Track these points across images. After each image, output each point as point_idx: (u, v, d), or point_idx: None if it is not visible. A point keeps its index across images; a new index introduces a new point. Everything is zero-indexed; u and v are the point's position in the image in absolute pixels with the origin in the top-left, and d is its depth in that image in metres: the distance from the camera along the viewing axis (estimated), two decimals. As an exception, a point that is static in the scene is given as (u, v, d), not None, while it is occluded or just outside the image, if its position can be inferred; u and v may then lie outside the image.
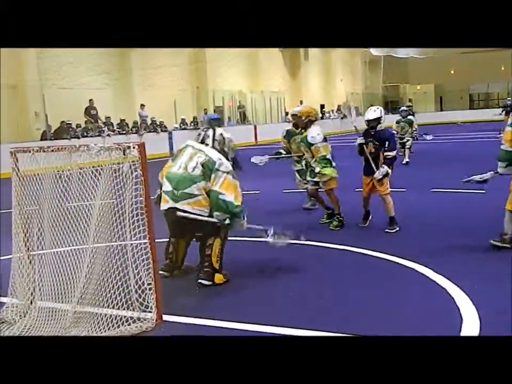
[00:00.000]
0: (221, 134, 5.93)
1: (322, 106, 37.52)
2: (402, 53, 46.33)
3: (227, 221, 5.59)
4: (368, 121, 7.57)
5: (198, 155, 5.62)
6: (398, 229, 7.59)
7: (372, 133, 7.61)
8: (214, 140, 5.82)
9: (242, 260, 6.57)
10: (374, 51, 43.40)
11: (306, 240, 6.61)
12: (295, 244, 6.36)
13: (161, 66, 26.98)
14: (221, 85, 30.57)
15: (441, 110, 44.72)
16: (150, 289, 4.62)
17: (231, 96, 31.30)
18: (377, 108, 7.81)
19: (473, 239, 7.03)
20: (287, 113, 34.13)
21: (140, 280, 4.63)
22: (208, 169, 5.51)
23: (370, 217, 8.01)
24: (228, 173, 5.57)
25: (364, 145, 7.62)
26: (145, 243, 4.57)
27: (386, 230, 7.57)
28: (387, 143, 7.49)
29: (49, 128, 21.08)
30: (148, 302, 4.66)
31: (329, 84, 41.40)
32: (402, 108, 18.24)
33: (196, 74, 29.23)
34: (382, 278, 5.70)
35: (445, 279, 5.40)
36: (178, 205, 5.49)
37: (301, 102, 34.84)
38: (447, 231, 7.59)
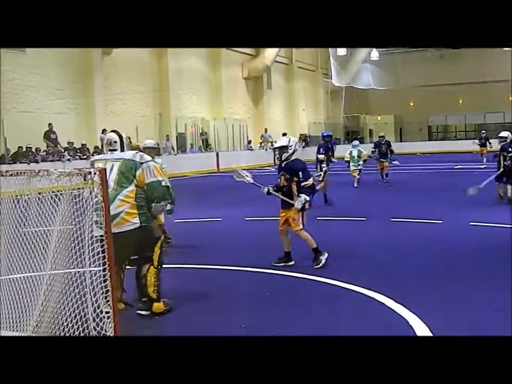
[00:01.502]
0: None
1: (284, 135, 37.79)
2: (362, 84, 47.31)
3: (168, 207, 5.80)
4: (274, 149, 7.55)
5: (113, 164, 5.50)
6: (323, 262, 7.19)
7: (283, 165, 7.46)
8: (121, 145, 5.72)
9: (185, 287, 6.53)
10: (336, 82, 44.16)
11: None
12: (241, 270, 6.36)
13: (123, 93, 26.90)
14: (184, 112, 30.62)
15: (401, 141, 45.57)
16: (108, 317, 4.53)
17: (194, 123, 31.36)
18: (287, 137, 7.73)
19: (433, 268, 7.14)
20: (249, 141, 34.39)
21: (98, 308, 4.54)
22: (129, 168, 5.45)
23: (292, 262, 7.41)
24: (150, 160, 5.63)
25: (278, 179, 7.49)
26: (104, 270, 4.49)
27: (315, 266, 7.18)
28: (300, 173, 7.25)
29: (8, 152, 20.71)
30: (105, 331, 4.56)
31: (292, 113, 41.85)
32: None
33: (159, 101, 29.20)
34: (337, 306, 5.73)
35: (404, 308, 5.45)
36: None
37: (266, 130, 35.24)
38: (408, 261, 7.68)
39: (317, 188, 9.49)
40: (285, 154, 7.39)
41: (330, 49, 42.56)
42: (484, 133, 31.88)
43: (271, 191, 7.40)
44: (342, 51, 42.43)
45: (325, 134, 14.14)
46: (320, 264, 7.18)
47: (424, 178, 21.80)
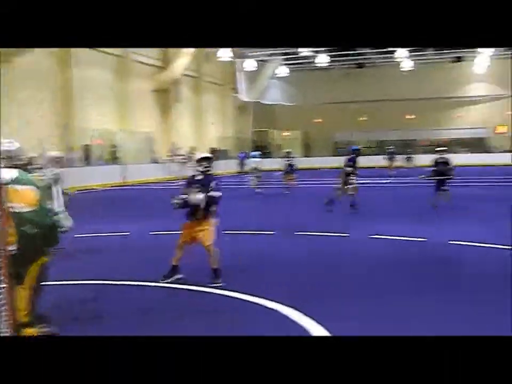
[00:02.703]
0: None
1: (193, 148, 37.72)
2: (271, 100, 48.07)
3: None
4: (200, 160, 7.37)
5: None
6: (220, 283, 7.02)
7: (200, 178, 7.31)
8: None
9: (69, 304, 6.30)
10: (244, 97, 44.58)
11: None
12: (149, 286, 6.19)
13: (26, 103, 25.79)
14: (90, 123, 29.79)
15: (308, 156, 46.52)
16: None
17: (100, 134, 30.57)
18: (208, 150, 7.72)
19: (340, 279, 7.27)
20: (156, 154, 33.94)
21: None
22: None
23: (180, 275, 7.23)
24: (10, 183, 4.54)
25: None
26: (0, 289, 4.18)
27: (211, 285, 6.99)
28: (214, 184, 7.24)
29: None
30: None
31: (201, 126, 41.75)
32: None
33: (64, 111, 28.26)
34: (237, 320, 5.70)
35: (310, 319, 5.49)
36: None
37: (174, 144, 34.90)
38: (312, 273, 7.78)
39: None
40: (211, 166, 7.36)
41: (238, 64, 42.96)
42: (391, 148, 33.52)
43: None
44: (250, 66, 42.85)
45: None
46: (218, 284, 6.98)
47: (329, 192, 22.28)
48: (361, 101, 46.94)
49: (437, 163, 14.95)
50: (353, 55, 43.87)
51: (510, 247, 8.74)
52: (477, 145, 46.84)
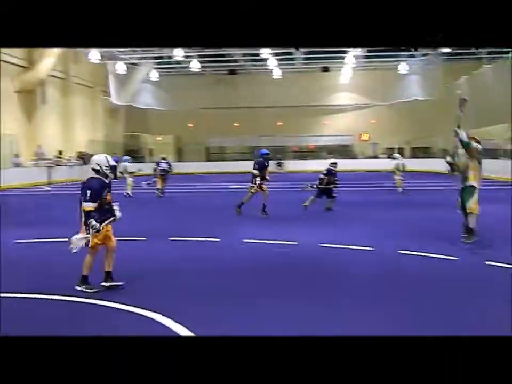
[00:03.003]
0: None
1: (60, 152, 36.24)
2: (142, 104, 47.31)
3: None
4: (113, 167, 7.14)
5: None
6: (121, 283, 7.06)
7: (108, 182, 7.13)
8: None
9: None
10: (115, 100, 43.48)
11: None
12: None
13: None
14: None
15: (180, 161, 46.32)
16: None
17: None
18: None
19: (215, 284, 7.25)
20: (18, 156, 32.15)
21: None
22: None
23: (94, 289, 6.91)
24: None
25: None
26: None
27: (104, 284, 6.96)
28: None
29: None
30: None
31: (69, 129, 40.12)
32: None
33: None
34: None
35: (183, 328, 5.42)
36: None
37: (40, 146, 33.26)
38: (184, 279, 7.70)
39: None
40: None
41: (109, 66, 41.88)
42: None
43: None
44: (121, 69, 41.94)
45: (262, 153, 15.25)
46: (118, 283, 7.07)
47: (201, 197, 22.35)
48: (234, 107, 47.55)
49: (328, 172, 15.76)
50: (225, 61, 44.38)
51: (372, 248, 9.23)
52: (342, 151, 49.15)
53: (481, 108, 39.55)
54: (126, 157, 22.70)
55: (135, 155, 43.94)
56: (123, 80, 43.79)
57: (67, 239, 7.05)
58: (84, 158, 35.89)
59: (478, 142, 9.93)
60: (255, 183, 14.67)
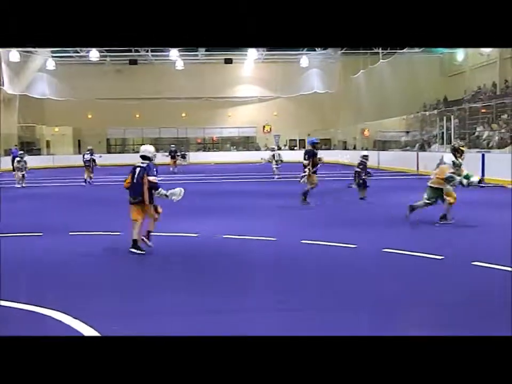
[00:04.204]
0: None
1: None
2: (38, 93, 45.32)
3: None
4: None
5: None
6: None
7: None
8: None
9: None
10: (8, 89, 41.37)
11: None
12: None
13: None
14: None
15: (80, 153, 44.88)
16: None
17: None
18: None
19: (105, 278, 7.06)
20: None
21: None
22: None
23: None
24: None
25: None
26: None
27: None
28: None
29: None
30: None
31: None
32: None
33: None
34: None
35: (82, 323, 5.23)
36: None
37: None
38: (81, 274, 7.46)
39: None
40: None
41: (2, 54, 39.74)
42: (173, 147, 34.17)
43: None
44: (14, 57, 39.91)
45: (313, 141, 15.29)
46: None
47: (103, 191, 21.76)
48: (136, 98, 46.66)
49: (363, 165, 16.01)
50: (126, 51, 43.34)
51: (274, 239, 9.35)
52: (246, 143, 49.57)
53: (378, 102, 41.24)
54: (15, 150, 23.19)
55: (32, 147, 42.23)
56: (17, 69, 41.74)
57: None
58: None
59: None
60: (308, 172, 14.37)
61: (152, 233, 8.70)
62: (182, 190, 8.97)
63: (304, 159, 14.44)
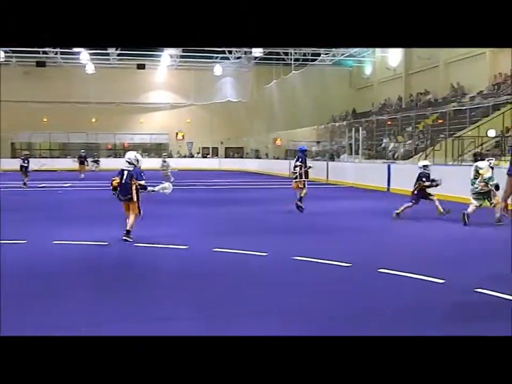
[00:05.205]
0: None
1: None
2: None
3: None
4: None
5: None
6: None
7: None
8: None
9: None
10: None
11: None
12: None
13: None
14: None
15: (-18, 158, 42.78)
16: None
17: None
18: None
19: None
20: None
21: None
22: None
23: None
24: None
25: None
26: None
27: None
28: None
29: None
30: None
31: None
32: None
33: None
34: None
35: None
36: None
37: None
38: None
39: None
40: None
41: None
42: (83, 151, 33.44)
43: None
44: None
45: (302, 149, 15.96)
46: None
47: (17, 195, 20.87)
48: (43, 102, 45.13)
49: (426, 177, 13.44)
50: (33, 52, 41.83)
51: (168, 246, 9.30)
52: (158, 150, 49.05)
53: (290, 112, 42.09)
54: None
55: None
56: None
57: None
58: None
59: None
60: (299, 178, 15.00)
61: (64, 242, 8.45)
62: (171, 184, 10.89)
63: (299, 162, 15.16)
